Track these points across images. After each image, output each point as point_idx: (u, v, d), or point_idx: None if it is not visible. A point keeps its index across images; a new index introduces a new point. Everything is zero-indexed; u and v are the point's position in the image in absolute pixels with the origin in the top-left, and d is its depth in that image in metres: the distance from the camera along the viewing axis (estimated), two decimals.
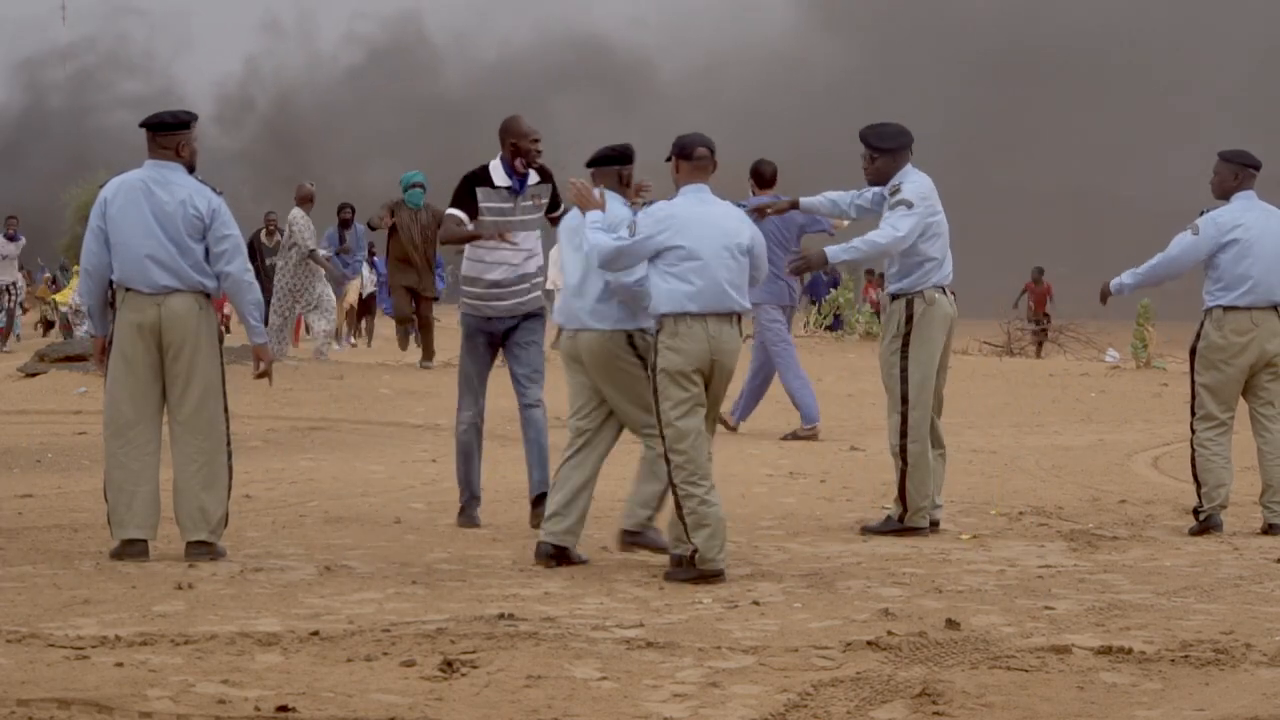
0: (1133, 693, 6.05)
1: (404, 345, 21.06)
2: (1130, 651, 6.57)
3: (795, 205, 10.18)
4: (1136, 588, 8.01)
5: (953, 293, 9.80)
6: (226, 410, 8.58)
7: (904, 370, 9.59)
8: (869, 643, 6.61)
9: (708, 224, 8.19)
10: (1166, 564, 8.71)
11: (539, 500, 9.46)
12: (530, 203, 9.69)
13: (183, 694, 5.78)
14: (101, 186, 8.80)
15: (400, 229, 19.20)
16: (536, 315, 9.80)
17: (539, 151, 9.66)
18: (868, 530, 9.65)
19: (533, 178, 9.69)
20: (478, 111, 49.06)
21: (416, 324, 20.28)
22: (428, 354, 19.98)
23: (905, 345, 9.59)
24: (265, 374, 8.80)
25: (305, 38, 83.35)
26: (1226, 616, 7.34)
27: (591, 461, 8.61)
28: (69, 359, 18.50)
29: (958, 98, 59.55)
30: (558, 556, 8.48)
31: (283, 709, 5.61)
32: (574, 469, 8.57)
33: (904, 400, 9.59)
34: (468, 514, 9.81)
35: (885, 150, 9.67)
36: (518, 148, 9.60)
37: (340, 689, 5.89)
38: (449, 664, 6.20)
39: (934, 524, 9.69)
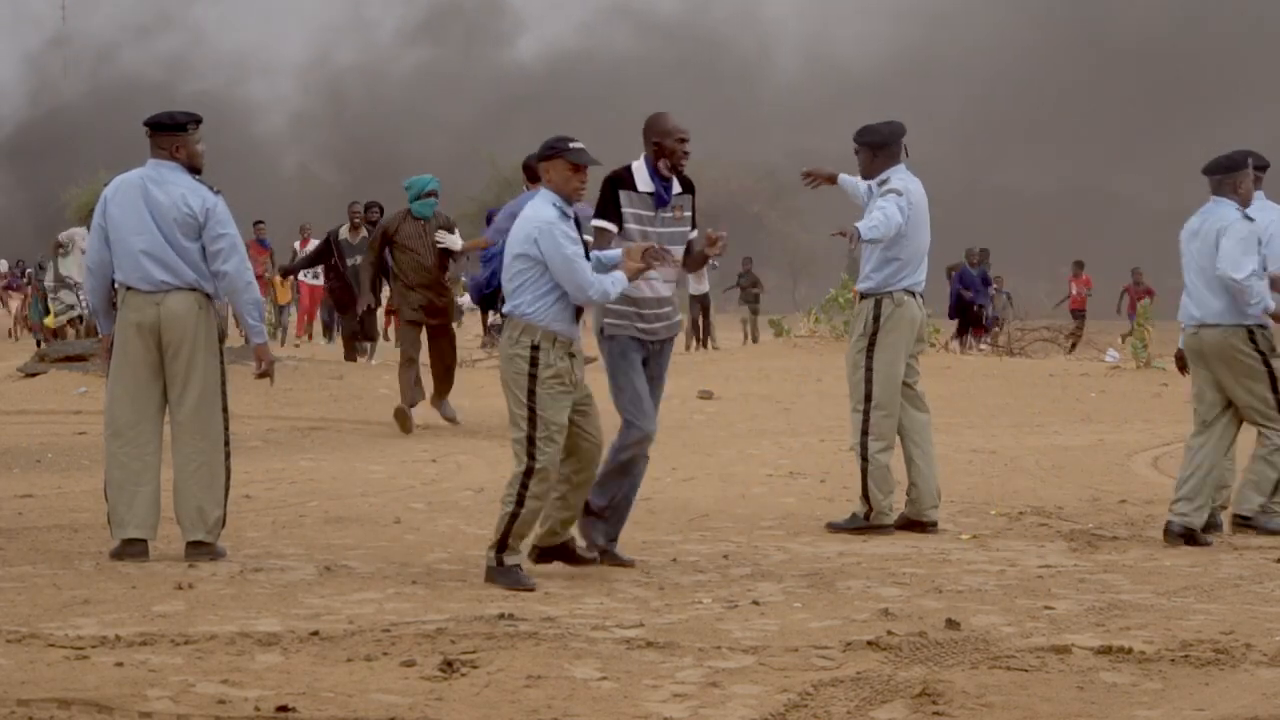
0: (1133, 693, 6.05)
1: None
2: (1130, 651, 6.57)
3: (833, 179, 10.26)
4: (1136, 588, 8.01)
5: (922, 297, 9.84)
6: (226, 410, 8.58)
7: (869, 370, 9.68)
8: (869, 643, 6.61)
9: None
10: (1166, 564, 8.71)
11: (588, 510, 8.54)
12: (672, 214, 8.53)
13: (183, 694, 5.78)
14: (105, 185, 8.81)
15: (403, 246, 14.76)
16: (671, 341, 8.74)
17: (686, 153, 8.55)
18: (834, 527, 9.69)
19: (676, 187, 8.55)
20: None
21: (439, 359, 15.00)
22: (444, 390, 14.93)
23: (871, 345, 9.67)
24: (266, 374, 8.79)
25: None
26: (1226, 616, 7.34)
27: (1210, 448, 9.40)
28: (69, 359, 18.49)
29: None
30: (1186, 537, 9.26)
31: (283, 709, 5.61)
32: (1199, 454, 9.37)
33: (867, 399, 9.68)
34: (613, 555, 8.52)
35: (870, 145, 9.79)
36: (661, 147, 8.48)
37: (340, 689, 5.90)
38: (449, 664, 6.20)
39: (933, 524, 9.73)
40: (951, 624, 6.99)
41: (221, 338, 8.73)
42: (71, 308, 23.45)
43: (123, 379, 8.49)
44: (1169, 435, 15.34)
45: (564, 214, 7.93)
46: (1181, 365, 9.95)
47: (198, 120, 8.64)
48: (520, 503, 7.83)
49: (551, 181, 8.02)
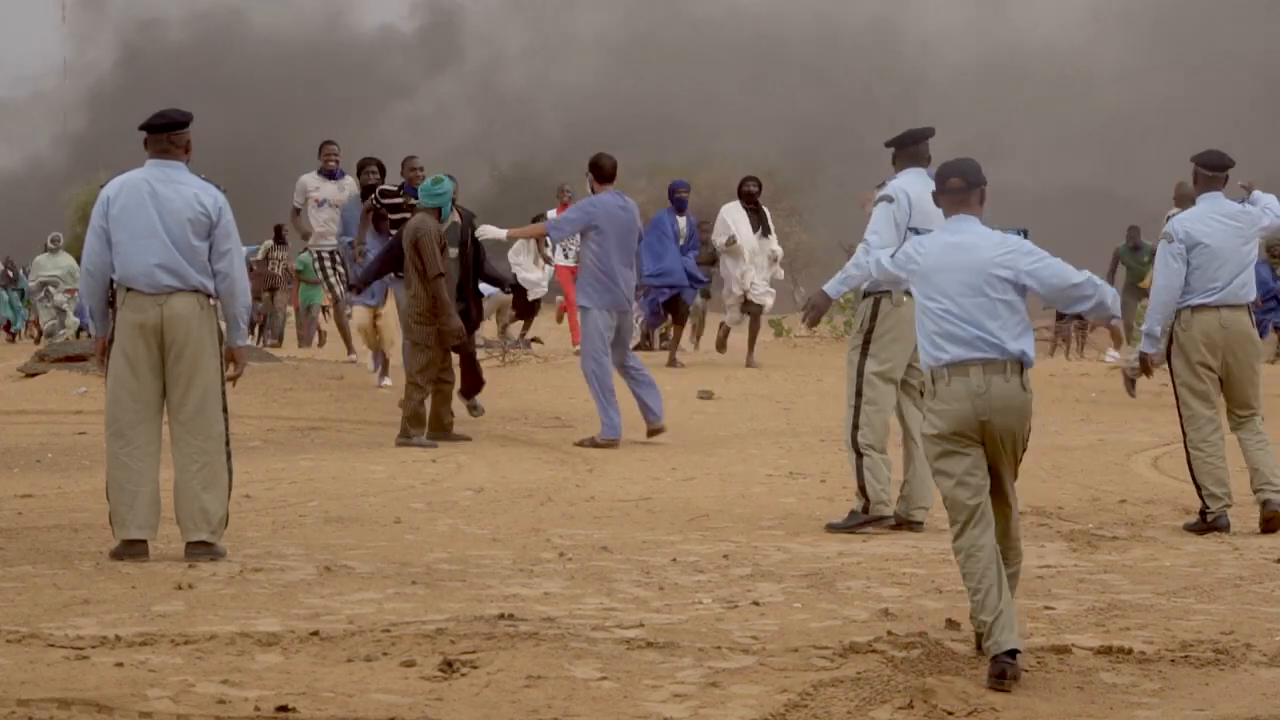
0: (1133, 693, 6.05)
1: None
2: (1130, 651, 6.57)
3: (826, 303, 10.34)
4: (1136, 588, 8.01)
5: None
6: (226, 411, 8.58)
7: (861, 367, 9.71)
8: (869, 643, 6.61)
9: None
10: (1166, 564, 8.71)
11: None
12: None
13: (183, 694, 5.78)
14: (102, 186, 8.80)
15: (446, 254, 13.74)
16: None
17: None
18: (833, 528, 9.70)
19: None
20: None
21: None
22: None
23: (867, 343, 9.71)
24: (236, 377, 8.74)
25: None
26: (1226, 616, 7.34)
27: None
28: (69, 359, 18.48)
29: None
30: None
31: (283, 709, 5.61)
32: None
33: (858, 394, 9.71)
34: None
35: (893, 146, 9.90)
36: None
37: (340, 689, 5.90)
38: (449, 664, 6.20)
39: (919, 524, 9.74)
40: (951, 624, 6.99)
41: (221, 338, 8.74)
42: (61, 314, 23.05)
43: (124, 380, 8.49)
44: (1169, 435, 15.31)
45: None
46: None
47: (191, 117, 8.68)
48: None
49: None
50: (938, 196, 6.89)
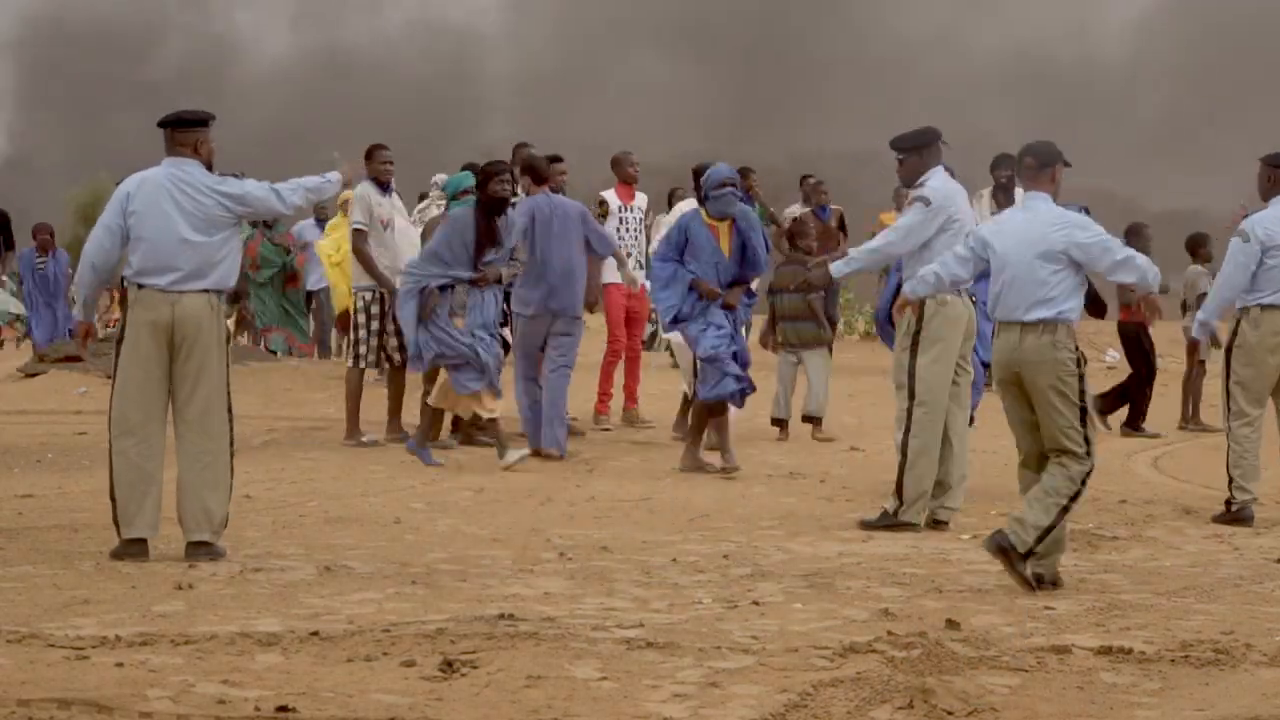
0: (1133, 693, 6.05)
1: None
2: (1130, 651, 6.57)
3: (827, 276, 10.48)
4: (1136, 588, 8.00)
5: (973, 295, 9.85)
6: (230, 411, 8.59)
7: (912, 369, 9.69)
8: (869, 643, 6.61)
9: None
10: (1166, 564, 8.71)
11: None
12: None
13: (183, 694, 5.78)
14: (117, 184, 8.78)
15: None
16: None
17: None
18: (866, 525, 9.70)
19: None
20: None
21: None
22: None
23: (915, 345, 9.69)
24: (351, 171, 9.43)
25: None
26: (1226, 616, 7.34)
27: None
28: (69, 359, 18.49)
29: None
30: None
31: (283, 709, 5.61)
32: None
33: (910, 396, 9.68)
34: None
35: (906, 151, 9.92)
36: None
37: (340, 689, 5.89)
38: (449, 664, 6.20)
39: (941, 522, 9.76)
40: (951, 624, 6.99)
41: (228, 339, 8.75)
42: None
43: (134, 377, 8.49)
44: (1169, 435, 15.35)
45: None
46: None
47: (213, 117, 8.71)
48: (1076, 499, 8.00)
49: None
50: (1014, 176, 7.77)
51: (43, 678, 5.96)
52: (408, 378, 13.53)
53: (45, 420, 15.39)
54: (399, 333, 13.05)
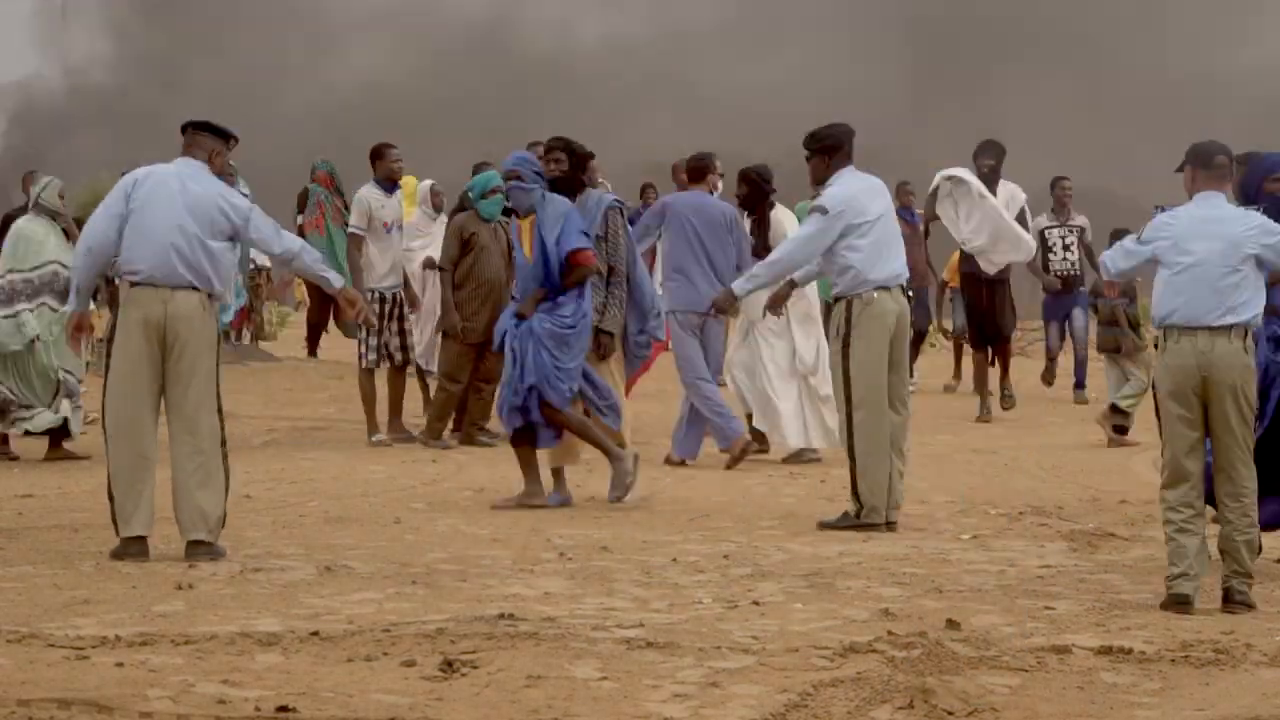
0: (1133, 693, 6.05)
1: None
2: (1130, 651, 6.57)
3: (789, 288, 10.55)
4: (1136, 588, 8.01)
5: (902, 287, 9.86)
6: (221, 411, 8.58)
7: (846, 372, 9.70)
8: (869, 643, 6.61)
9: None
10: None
11: None
12: None
13: (183, 694, 5.78)
14: (123, 178, 8.77)
15: (476, 251, 13.22)
16: None
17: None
18: (824, 525, 9.70)
19: None
20: None
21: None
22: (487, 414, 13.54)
23: (846, 347, 9.69)
24: (361, 315, 9.27)
25: None
26: (1226, 616, 7.34)
27: None
28: None
29: None
30: None
31: (283, 709, 5.61)
32: None
33: (848, 400, 9.70)
34: None
35: (814, 151, 9.94)
36: None
37: (340, 689, 5.89)
38: (449, 664, 6.20)
39: (890, 524, 9.72)
40: (951, 624, 6.99)
41: (218, 338, 8.75)
42: None
43: (126, 376, 8.49)
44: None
45: None
46: None
47: (237, 139, 8.78)
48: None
49: None
50: (1197, 172, 7.67)
51: (43, 678, 5.97)
52: (406, 379, 13.76)
53: None
54: (400, 333, 13.60)
